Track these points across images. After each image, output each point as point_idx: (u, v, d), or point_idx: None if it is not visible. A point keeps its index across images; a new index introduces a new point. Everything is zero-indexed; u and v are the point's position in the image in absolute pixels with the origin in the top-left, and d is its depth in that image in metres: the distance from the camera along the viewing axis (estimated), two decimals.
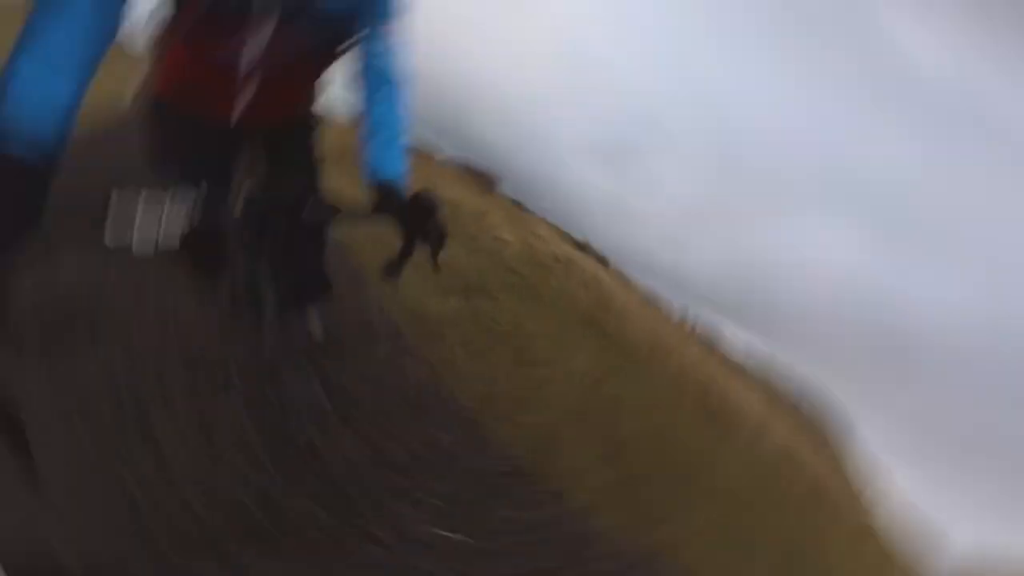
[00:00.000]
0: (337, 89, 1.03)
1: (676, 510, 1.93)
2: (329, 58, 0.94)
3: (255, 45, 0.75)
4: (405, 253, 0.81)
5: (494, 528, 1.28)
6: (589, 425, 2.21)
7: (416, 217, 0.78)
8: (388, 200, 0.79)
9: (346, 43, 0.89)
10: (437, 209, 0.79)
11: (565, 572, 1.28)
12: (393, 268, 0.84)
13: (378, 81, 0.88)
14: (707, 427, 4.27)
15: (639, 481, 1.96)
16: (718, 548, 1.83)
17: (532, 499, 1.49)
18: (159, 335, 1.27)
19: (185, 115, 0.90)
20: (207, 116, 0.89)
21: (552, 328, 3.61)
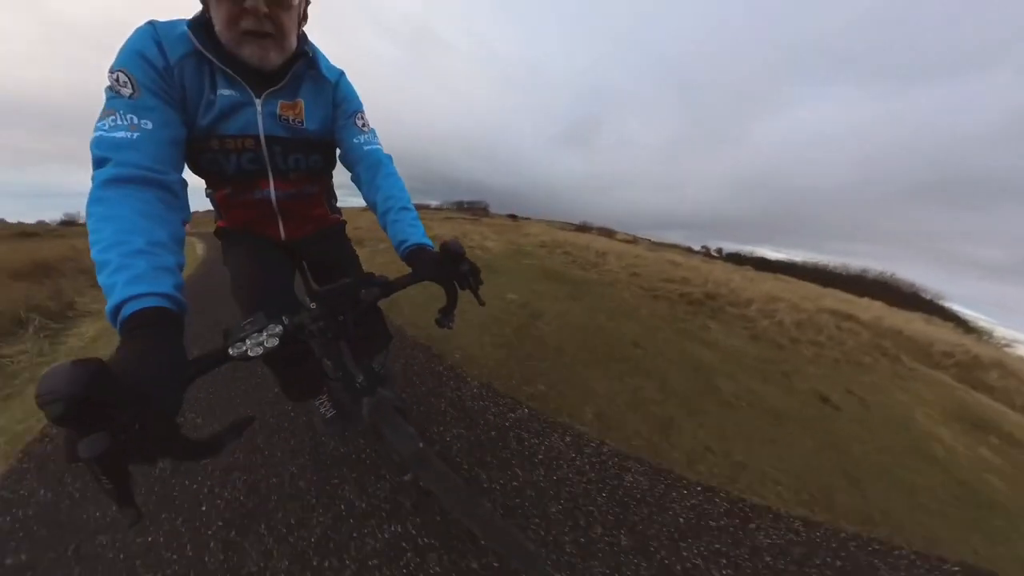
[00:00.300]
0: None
1: (578, 380, 2.43)
2: (325, 169, 1.13)
3: (271, 190, 1.02)
4: (452, 304, 0.92)
5: (407, 377, 2.25)
6: (494, 328, 3.07)
7: (449, 265, 0.86)
8: (425, 264, 0.88)
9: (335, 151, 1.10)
10: (464, 253, 0.87)
11: (439, 393, 2.08)
12: (447, 318, 0.94)
13: (375, 164, 1.04)
14: (691, 316, 4.44)
15: (532, 359, 2.64)
16: (639, 413, 2.17)
17: (428, 363, 2.44)
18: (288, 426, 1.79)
19: (249, 234, 1.15)
20: (266, 235, 1.14)
21: (503, 286, 4.47)
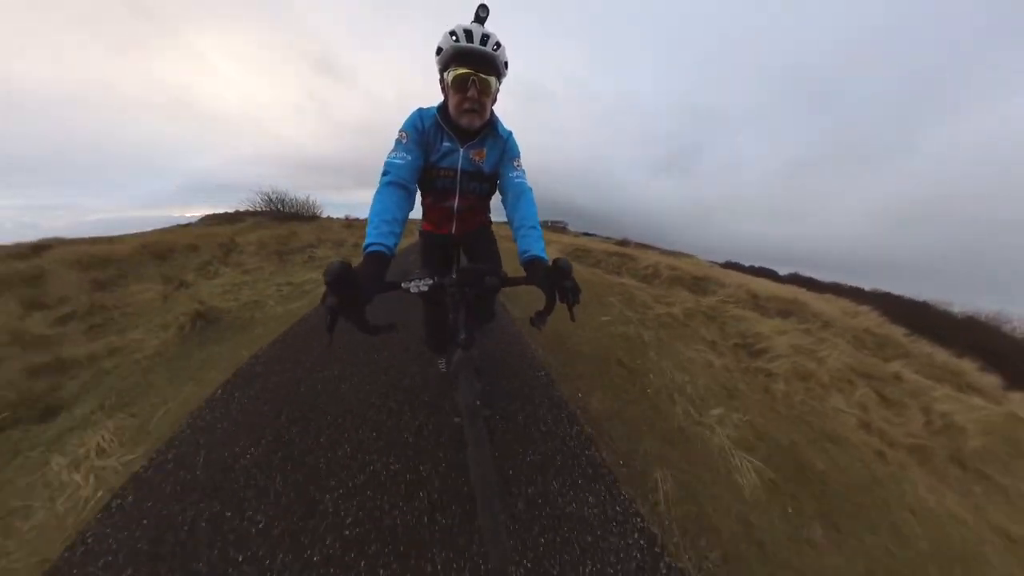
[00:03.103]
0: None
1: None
2: (490, 194, 1.53)
3: (455, 202, 1.46)
4: (548, 310, 1.06)
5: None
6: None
7: (555, 278, 0.99)
8: (536, 272, 1.08)
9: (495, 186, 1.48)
10: (570, 272, 0.98)
11: None
12: (540, 320, 1.08)
13: (519, 193, 1.34)
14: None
15: None
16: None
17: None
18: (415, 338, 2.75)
19: (433, 232, 1.68)
20: (441, 232, 1.63)
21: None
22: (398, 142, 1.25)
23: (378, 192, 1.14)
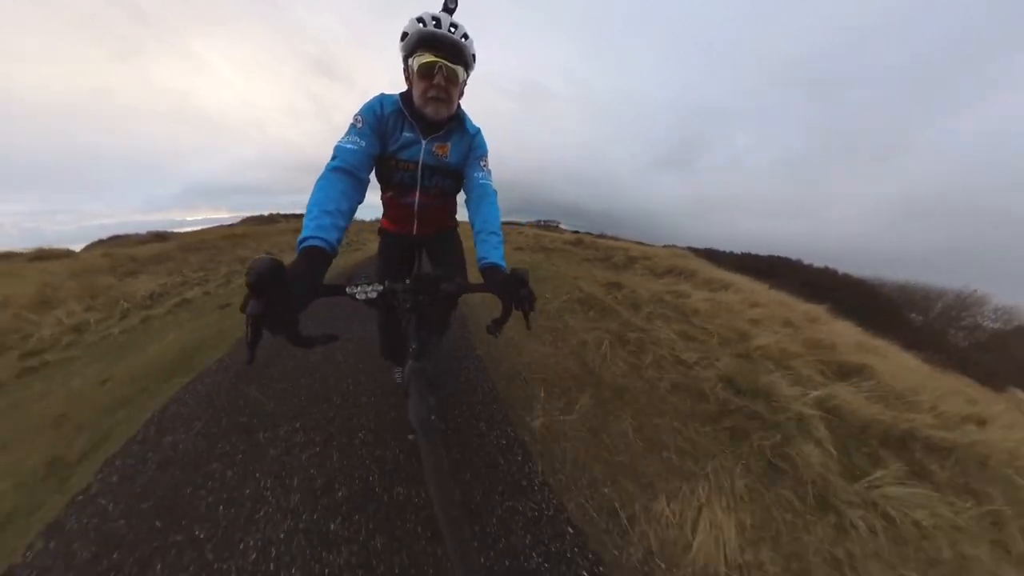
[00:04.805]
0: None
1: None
2: (455, 192, 1.45)
3: (416, 198, 1.36)
4: (504, 317, 1.03)
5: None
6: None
7: (512, 286, 0.96)
8: (493, 280, 1.03)
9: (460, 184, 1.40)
10: (527, 280, 0.96)
11: None
12: (496, 327, 1.04)
13: (482, 195, 1.27)
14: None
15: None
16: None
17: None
18: (361, 349, 2.67)
19: (391, 232, 1.57)
20: (402, 232, 1.53)
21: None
22: (352, 127, 1.14)
23: (321, 178, 1.01)
